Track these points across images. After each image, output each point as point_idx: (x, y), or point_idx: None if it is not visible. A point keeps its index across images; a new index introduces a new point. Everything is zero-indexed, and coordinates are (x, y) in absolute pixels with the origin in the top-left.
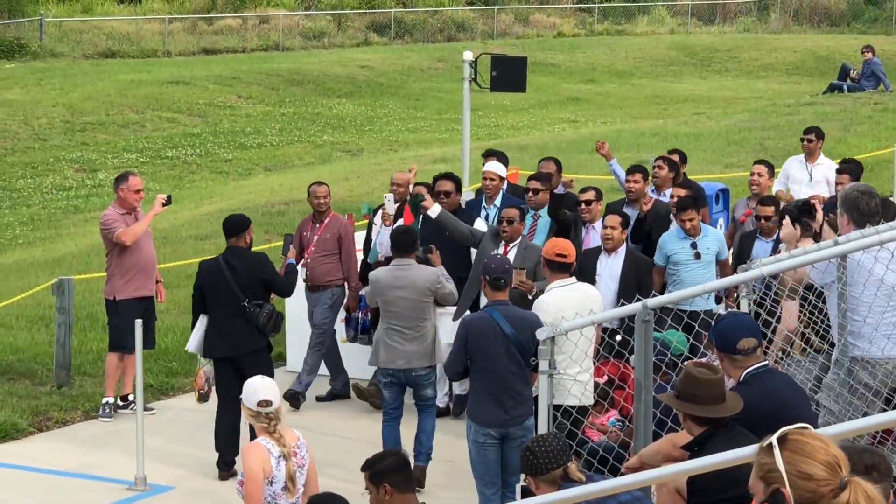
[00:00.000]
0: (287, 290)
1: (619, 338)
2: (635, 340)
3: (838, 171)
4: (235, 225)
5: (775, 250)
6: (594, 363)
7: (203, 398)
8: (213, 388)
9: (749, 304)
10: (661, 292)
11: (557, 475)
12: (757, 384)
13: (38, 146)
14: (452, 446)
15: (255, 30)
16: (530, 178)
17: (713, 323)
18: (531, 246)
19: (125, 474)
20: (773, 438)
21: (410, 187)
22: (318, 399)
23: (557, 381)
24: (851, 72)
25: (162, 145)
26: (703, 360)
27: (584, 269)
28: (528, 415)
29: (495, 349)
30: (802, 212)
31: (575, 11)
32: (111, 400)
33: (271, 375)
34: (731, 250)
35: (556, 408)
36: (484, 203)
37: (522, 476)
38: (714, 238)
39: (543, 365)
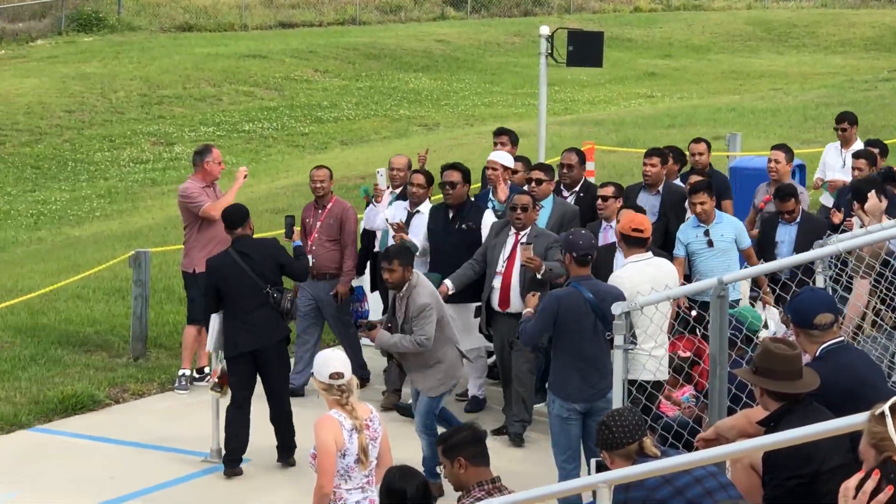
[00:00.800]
0: (303, 274)
1: (694, 313)
2: (710, 316)
3: (854, 156)
4: (236, 215)
5: (800, 235)
6: (669, 338)
7: (224, 393)
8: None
9: (825, 280)
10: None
11: (632, 450)
12: (833, 360)
13: (115, 119)
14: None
15: (331, 3)
16: (533, 167)
17: (788, 299)
18: (542, 233)
19: (201, 446)
20: (885, 407)
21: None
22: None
23: (632, 357)
24: None
25: (238, 119)
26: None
27: (600, 267)
28: (611, 387)
29: (583, 323)
30: (886, 178)
31: None
32: (187, 372)
33: (289, 367)
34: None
35: (631, 383)
36: (491, 195)
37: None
38: (729, 225)
39: (619, 340)
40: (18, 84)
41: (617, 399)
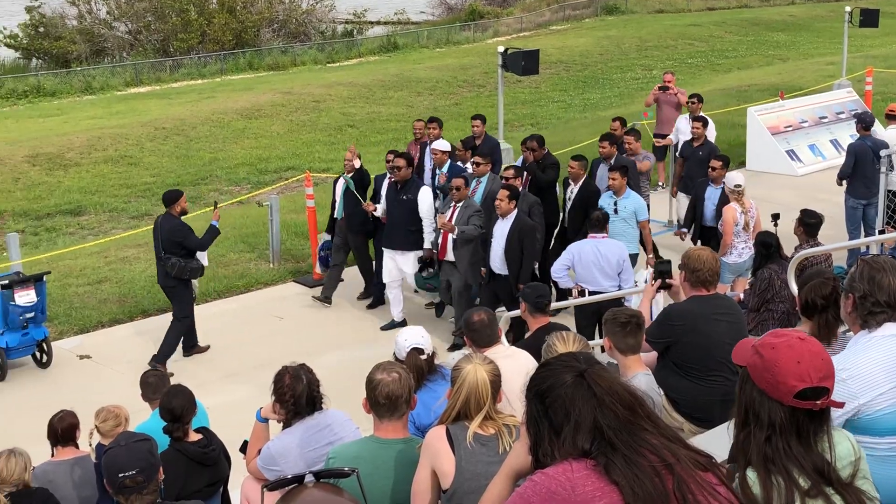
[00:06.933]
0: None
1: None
2: None
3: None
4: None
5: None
6: None
7: None
8: None
9: None
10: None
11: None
12: None
13: (622, 57)
14: None
15: None
16: (474, 155)
17: None
18: (470, 203)
19: None
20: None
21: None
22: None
23: None
24: None
25: None
26: None
27: (488, 233)
28: None
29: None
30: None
31: None
32: None
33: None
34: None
35: None
36: (438, 179)
37: None
38: (633, 200)
39: None
40: (574, 41)
41: None
